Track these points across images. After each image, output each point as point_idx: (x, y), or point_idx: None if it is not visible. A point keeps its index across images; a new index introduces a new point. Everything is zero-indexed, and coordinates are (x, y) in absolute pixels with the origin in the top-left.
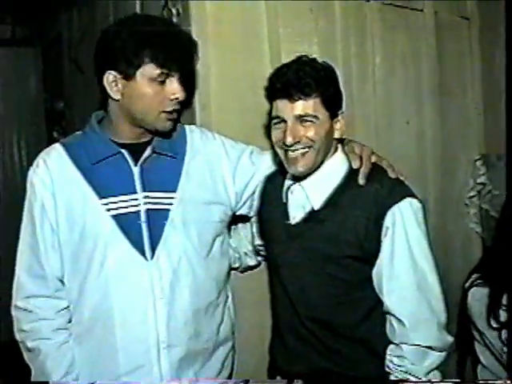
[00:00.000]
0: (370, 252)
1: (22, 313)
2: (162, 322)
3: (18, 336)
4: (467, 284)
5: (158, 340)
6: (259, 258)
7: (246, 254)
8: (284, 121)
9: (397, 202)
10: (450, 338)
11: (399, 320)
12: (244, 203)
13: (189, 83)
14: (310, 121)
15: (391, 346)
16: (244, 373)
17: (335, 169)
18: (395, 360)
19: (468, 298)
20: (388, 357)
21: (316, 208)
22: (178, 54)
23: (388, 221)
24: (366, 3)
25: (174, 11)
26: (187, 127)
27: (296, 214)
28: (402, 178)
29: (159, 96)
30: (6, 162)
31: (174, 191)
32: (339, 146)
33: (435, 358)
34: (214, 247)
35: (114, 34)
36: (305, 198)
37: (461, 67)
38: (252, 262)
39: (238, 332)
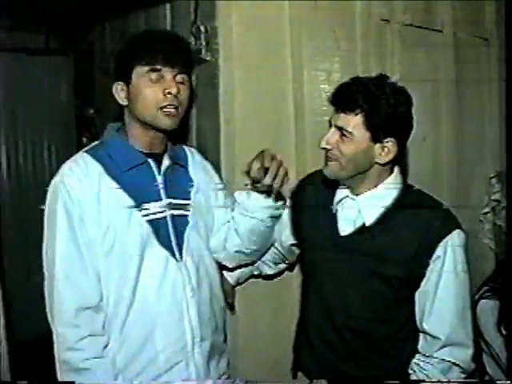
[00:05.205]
0: (415, 275)
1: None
2: (195, 318)
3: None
4: (477, 296)
5: (193, 335)
6: (281, 266)
7: (263, 262)
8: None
9: (449, 234)
10: (473, 365)
11: (436, 337)
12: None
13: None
14: (346, 135)
15: (419, 355)
16: (258, 375)
17: (390, 189)
18: (422, 364)
19: (477, 310)
20: (415, 360)
21: (367, 224)
22: (163, 50)
23: (440, 250)
24: (386, 23)
25: (202, 28)
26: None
27: (346, 227)
28: (447, 206)
29: (155, 93)
30: (37, 165)
31: (189, 199)
32: (396, 167)
33: (456, 376)
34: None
35: (117, 51)
36: (357, 212)
37: (478, 86)
38: (270, 271)
39: (254, 336)
